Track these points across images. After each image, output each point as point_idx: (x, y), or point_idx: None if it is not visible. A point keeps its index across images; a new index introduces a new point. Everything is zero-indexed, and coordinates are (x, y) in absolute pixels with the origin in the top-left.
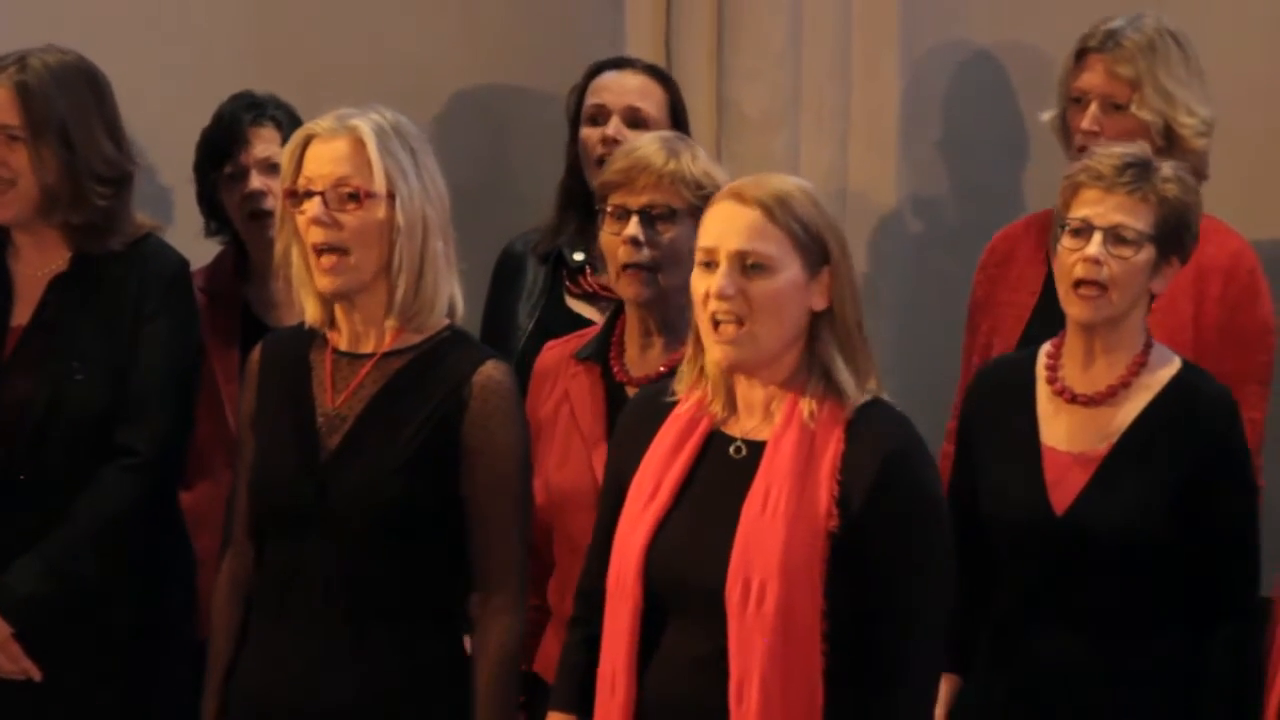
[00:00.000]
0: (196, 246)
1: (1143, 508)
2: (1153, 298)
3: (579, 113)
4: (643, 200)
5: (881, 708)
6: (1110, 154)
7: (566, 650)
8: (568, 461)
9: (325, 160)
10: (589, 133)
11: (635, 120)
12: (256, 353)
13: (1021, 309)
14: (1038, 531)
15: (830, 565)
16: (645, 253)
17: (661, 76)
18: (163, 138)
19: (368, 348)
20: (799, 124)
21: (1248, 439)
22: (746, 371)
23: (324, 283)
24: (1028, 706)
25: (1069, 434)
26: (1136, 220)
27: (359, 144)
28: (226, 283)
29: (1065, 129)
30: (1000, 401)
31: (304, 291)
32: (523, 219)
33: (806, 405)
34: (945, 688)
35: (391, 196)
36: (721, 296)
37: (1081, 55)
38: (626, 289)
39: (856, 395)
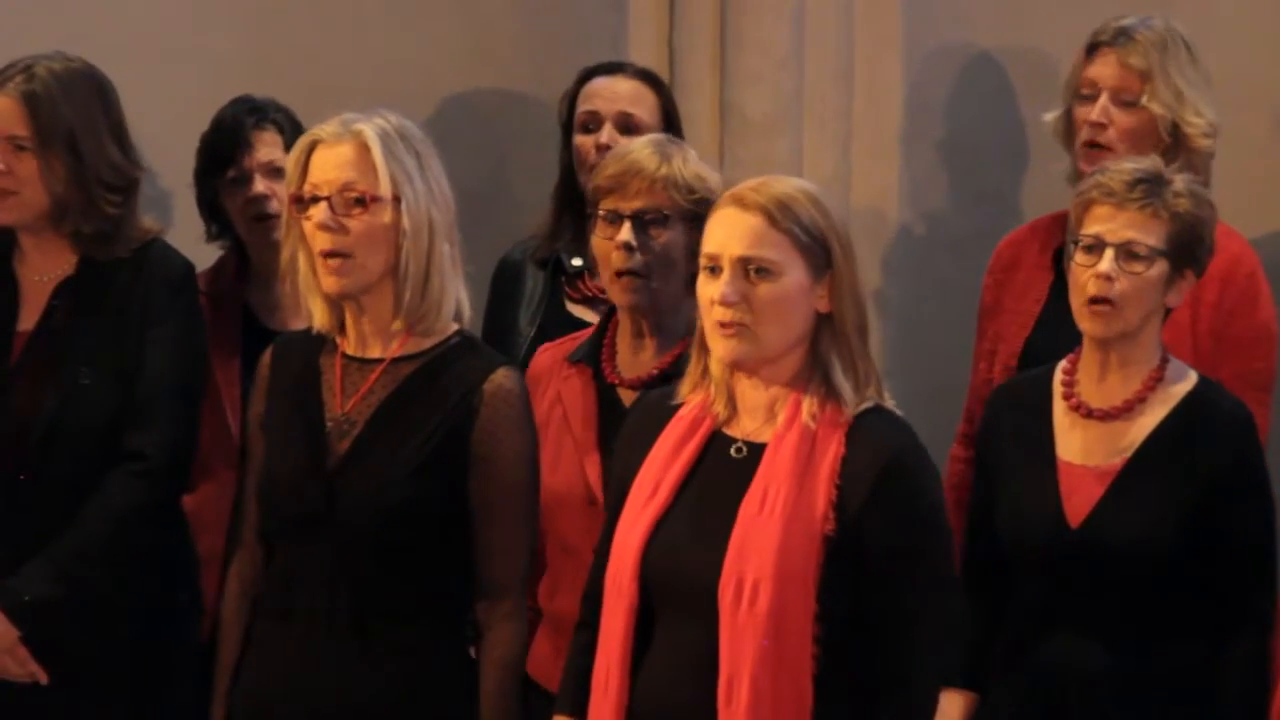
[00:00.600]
0: (196, 251)
1: (1157, 521)
2: (1168, 312)
3: (571, 119)
4: (635, 205)
5: (881, 714)
6: (1122, 170)
7: (571, 653)
8: (559, 464)
9: (331, 165)
10: (583, 140)
11: (627, 126)
12: (267, 356)
13: (1026, 316)
14: (1053, 545)
15: (824, 569)
16: (638, 258)
17: (653, 80)
18: (164, 143)
19: (376, 352)
20: (802, 128)
21: None
22: (749, 370)
23: (329, 283)
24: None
25: (1085, 448)
26: (1148, 236)
27: (364, 149)
28: (228, 286)
29: (1068, 128)
30: (1017, 417)
31: (311, 297)
32: (525, 224)
33: (808, 407)
34: (964, 705)
35: (397, 200)
36: (725, 303)
37: (1093, 49)
38: (620, 296)
39: (855, 399)
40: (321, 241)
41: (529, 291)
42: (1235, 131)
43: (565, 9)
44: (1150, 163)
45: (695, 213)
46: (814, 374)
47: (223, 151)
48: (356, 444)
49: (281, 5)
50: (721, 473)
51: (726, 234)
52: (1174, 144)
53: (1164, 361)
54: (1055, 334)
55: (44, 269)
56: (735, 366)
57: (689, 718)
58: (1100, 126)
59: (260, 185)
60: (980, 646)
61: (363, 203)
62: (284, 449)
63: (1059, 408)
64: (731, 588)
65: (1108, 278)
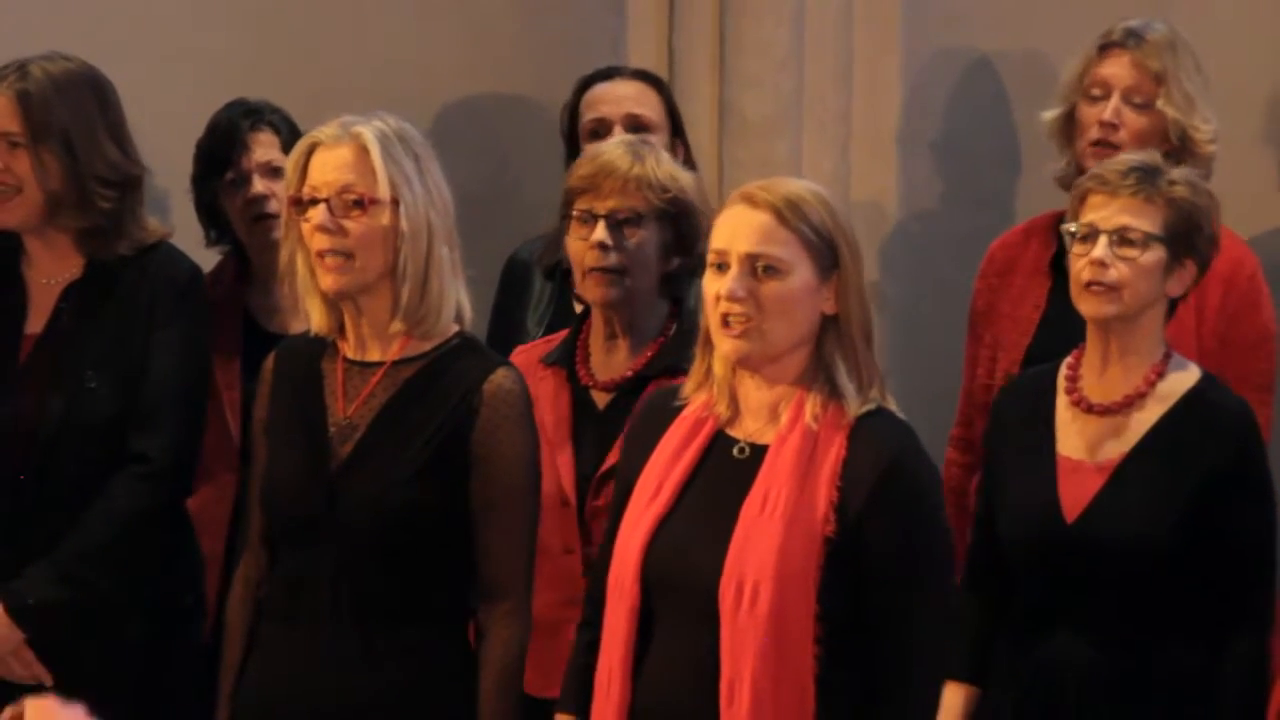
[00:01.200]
0: (195, 256)
1: (1154, 517)
2: (1173, 305)
3: (574, 129)
4: (609, 205)
5: (881, 714)
6: (1117, 161)
7: (574, 653)
8: None
9: (330, 168)
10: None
11: (637, 126)
12: (270, 360)
13: (1026, 323)
14: (1049, 541)
15: (825, 571)
16: (612, 257)
17: (653, 80)
18: (165, 148)
19: (376, 355)
20: (801, 130)
21: None
22: (754, 367)
23: (328, 281)
24: (1039, 717)
25: (1084, 443)
26: (1141, 221)
27: (363, 151)
28: (228, 290)
29: (1067, 128)
30: (1022, 414)
31: (309, 298)
32: (527, 226)
33: (811, 408)
34: (964, 699)
35: (396, 203)
36: (732, 298)
37: (1105, 49)
38: (593, 291)
39: (857, 401)
40: (320, 243)
41: (536, 294)
42: (1232, 132)
43: (565, 11)
44: (1149, 155)
45: (668, 212)
46: (818, 375)
47: (220, 154)
48: (359, 447)
49: (281, 7)
50: (724, 474)
51: (735, 231)
52: (1180, 148)
53: (1166, 356)
54: (1057, 340)
55: (51, 272)
56: (740, 364)
57: (691, 718)
58: (1112, 127)
59: (259, 185)
60: (983, 640)
61: (361, 205)
62: (287, 453)
63: (1061, 402)
64: (732, 589)
65: (1102, 263)
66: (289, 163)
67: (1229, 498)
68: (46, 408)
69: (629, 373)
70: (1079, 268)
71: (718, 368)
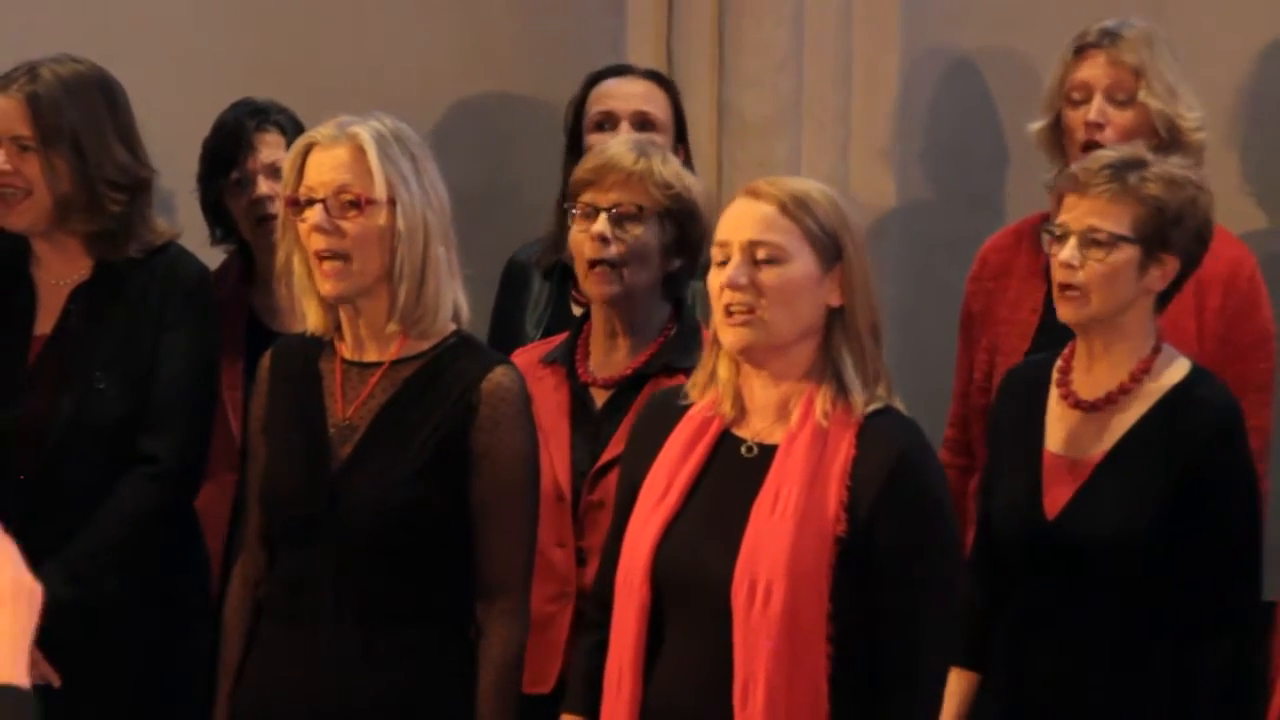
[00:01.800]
0: (199, 256)
1: (1133, 515)
2: (1166, 297)
3: (579, 123)
4: (611, 198)
5: (888, 711)
6: (1094, 158)
7: (580, 653)
8: None
9: (326, 168)
10: (598, 138)
11: (644, 124)
12: (266, 360)
13: (1025, 327)
14: (1031, 537)
15: (837, 569)
16: (612, 249)
17: (662, 80)
18: (166, 148)
19: (374, 355)
20: (800, 130)
21: (1251, 445)
22: (757, 360)
23: (326, 287)
24: (1025, 715)
25: (1071, 439)
26: (1108, 221)
27: (359, 151)
28: (232, 290)
29: (1055, 137)
30: (1016, 405)
31: (306, 299)
32: (525, 226)
33: (821, 405)
34: (964, 685)
35: (392, 203)
36: (733, 286)
37: (1080, 51)
38: (594, 287)
39: (864, 398)
40: (317, 243)
41: (535, 295)
42: (1229, 130)
43: (564, 11)
44: (1132, 149)
45: (671, 210)
46: (825, 371)
47: (226, 154)
48: (358, 448)
49: (282, 8)
50: (732, 473)
51: (737, 223)
52: (1170, 140)
53: (1156, 351)
54: (1057, 344)
55: (60, 273)
56: (744, 356)
57: (703, 718)
58: (1097, 126)
59: (264, 187)
60: (984, 627)
61: (358, 205)
62: (286, 453)
63: (1053, 396)
64: (744, 589)
65: (1069, 265)
66: (285, 163)
67: (1208, 493)
68: (55, 409)
69: (628, 371)
70: (1053, 269)
71: (723, 370)
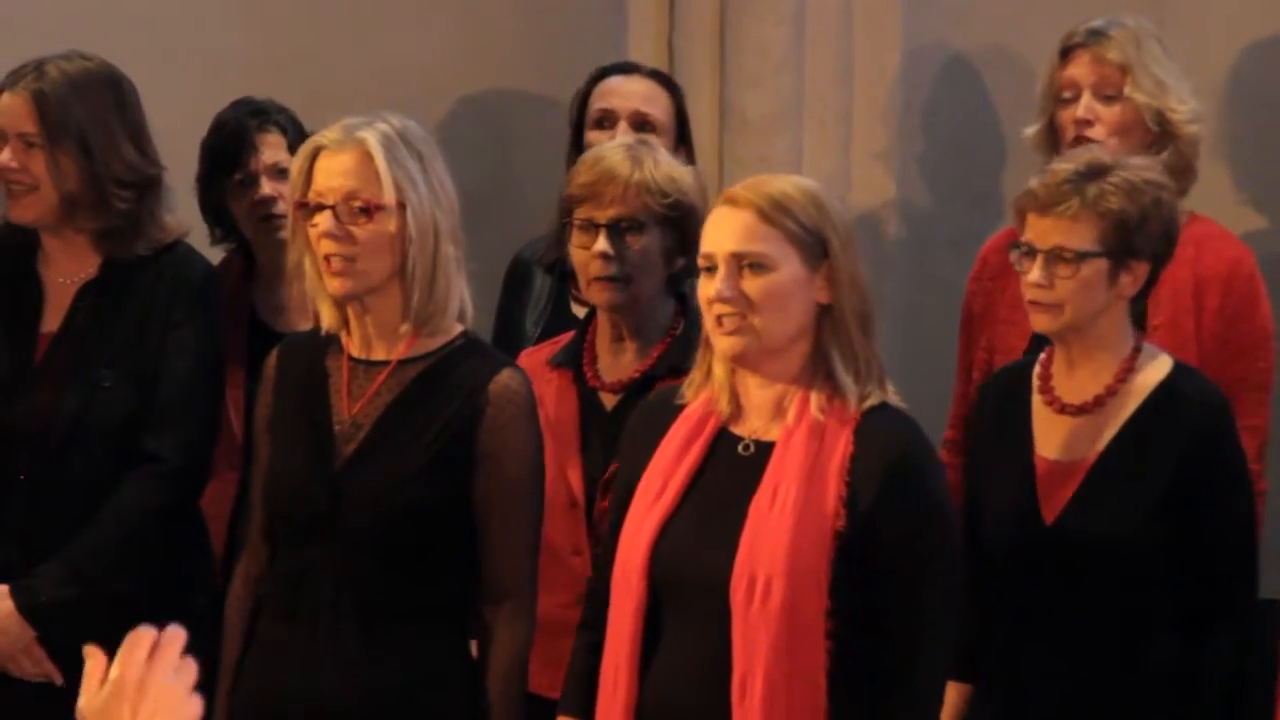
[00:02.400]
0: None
1: (1129, 514)
2: (1145, 298)
3: (582, 118)
4: (610, 213)
5: (888, 709)
6: (1053, 171)
7: (575, 654)
8: None
9: (334, 174)
10: (596, 136)
11: (642, 124)
12: (273, 357)
13: (1024, 327)
14: (1029, 542)
15: (836, 565)
16: (616, 266)
17: (666, 82)
18: (167, 146)
19: (381, 354)
20: (801, 129)
21: (1249, 444)
22: (752, 365)
23: (335, 285)
24: (1025, 717)
25: (1060, 443)
26: (1073, 239)
27: (367, 156)
28: (233, 288)
29: (1051, 139)
30: (1000, 412)
31: (320, 300)
32: (528, 224)
33: (816, 402)
34: (956, 696)
35: (402, 206)
36: (720, 299)
37: (1067, 53)
38: (599, 296)
39: (858, 392)
40: (327, 248)
41: (536, 293)
42: (1229, 130)
43: (566, 9)
44: (1089, 157)
45: (669, 215)
46: (818, 369)
47: (227, 155)
48: (363, 446)
49: (283, 6)
50: (729, 471)
51: (720, 233)
52: (1162, 134)
53: (1136, 351)
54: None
55: (68, 271)
56: (739, 362)
57: (700, 716)
58: (1086, 123)
59: (267, 187)
60: (973, 636)
61: (367, 211)
62: (290, 450)
63: (1036, 402)
64: (744, 585)
65: (1039, 285)
66: (293, 166)
67: (1202, 488)
68: (61, 406)
69: (636, 374)
70: (1023, 287)
71: (717, 368)
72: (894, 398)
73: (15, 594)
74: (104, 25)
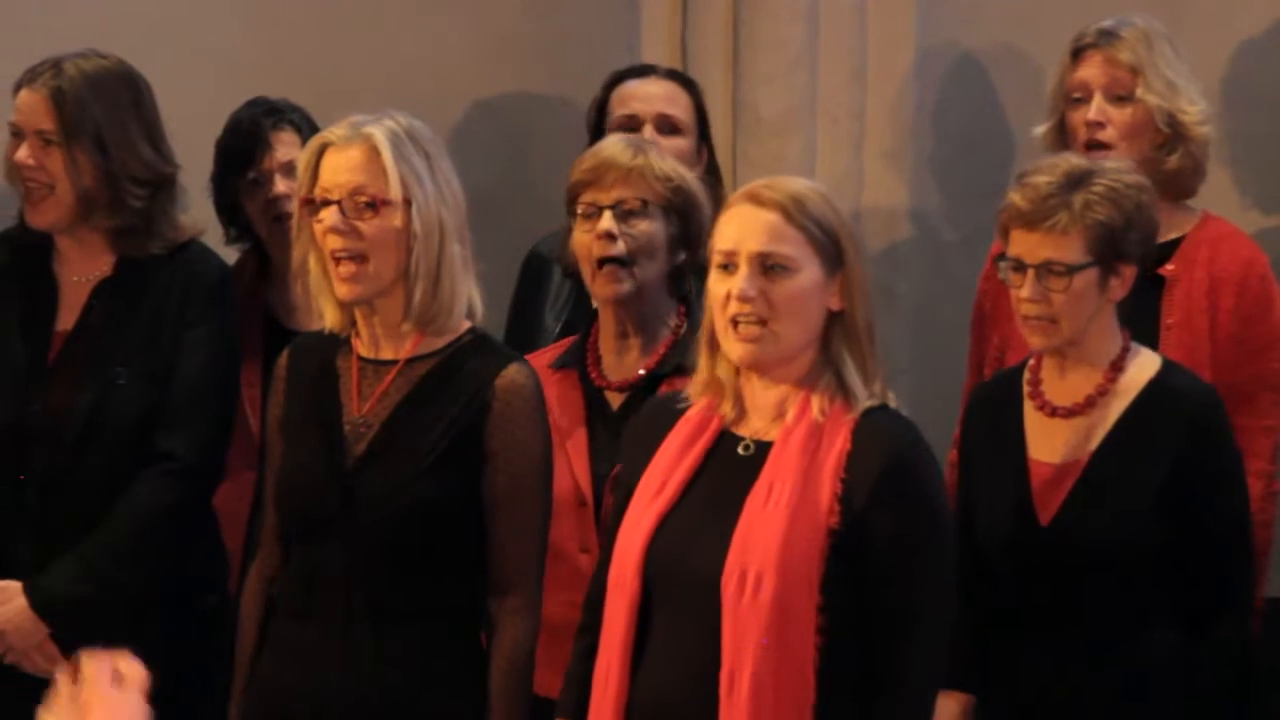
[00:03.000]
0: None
1: (1125, 514)
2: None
3: (602, 123)
4: (613, 195)
5: (879, 708)
6: (1034, 184)
7: (573, 658)
8: None
9: (341, 169)
10: None
11: (668, 127)
12: (284, 358)
13: None
14: (1025, 544)
15: (828, 562)
16: (620, 245)
17: (685, 81)
18: (180, 145)
19: (389, 353)
20: (815, 127)
21: (1264, 444)
22: (765, 370)
23: (343, 290)
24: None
25: (1053, 445)
26: (1064, 253)
27: (373, 152)
28: (248, 288)
29: (1060, 138)
30: (992, 416)
31: (323, 298)
32: (542, 223)
33: (818, 404)
34: (958, 708)
35: (408, 203)
36: (743, 299)
37: (1078, 54)
38: (604, 287)
39: (864, 396)
40: (333, 243)
41: (555, 288)
42: (1239, 129)
43: (579, 7)
44: (1067, 165)
45: (673, 203)
46: (824, 372)
47: (241, 154)
48: (373, 446)
49: (296, 6)
50: (729, 470)
51: (743, 230)
52: (1173, 135)
53: (1125, 351)
54: None
55: (82, 269)
56: (753, 368)
57: (689, 712)
58: (1098, 125)
59: (281, 186)
60: (966, 644)
61: (373, 206)
62: (302, 451)
63: (1028, 406)
64: (735, 579)
65: (1032, 300)
66: (300, 163)
67: (1196, 484)
68: (75, 404)
69: (641, 372)
70: (1014, 301)
71: (722, 372)
72: (893, 402)
73: (29, 591)
74: (117, 25)
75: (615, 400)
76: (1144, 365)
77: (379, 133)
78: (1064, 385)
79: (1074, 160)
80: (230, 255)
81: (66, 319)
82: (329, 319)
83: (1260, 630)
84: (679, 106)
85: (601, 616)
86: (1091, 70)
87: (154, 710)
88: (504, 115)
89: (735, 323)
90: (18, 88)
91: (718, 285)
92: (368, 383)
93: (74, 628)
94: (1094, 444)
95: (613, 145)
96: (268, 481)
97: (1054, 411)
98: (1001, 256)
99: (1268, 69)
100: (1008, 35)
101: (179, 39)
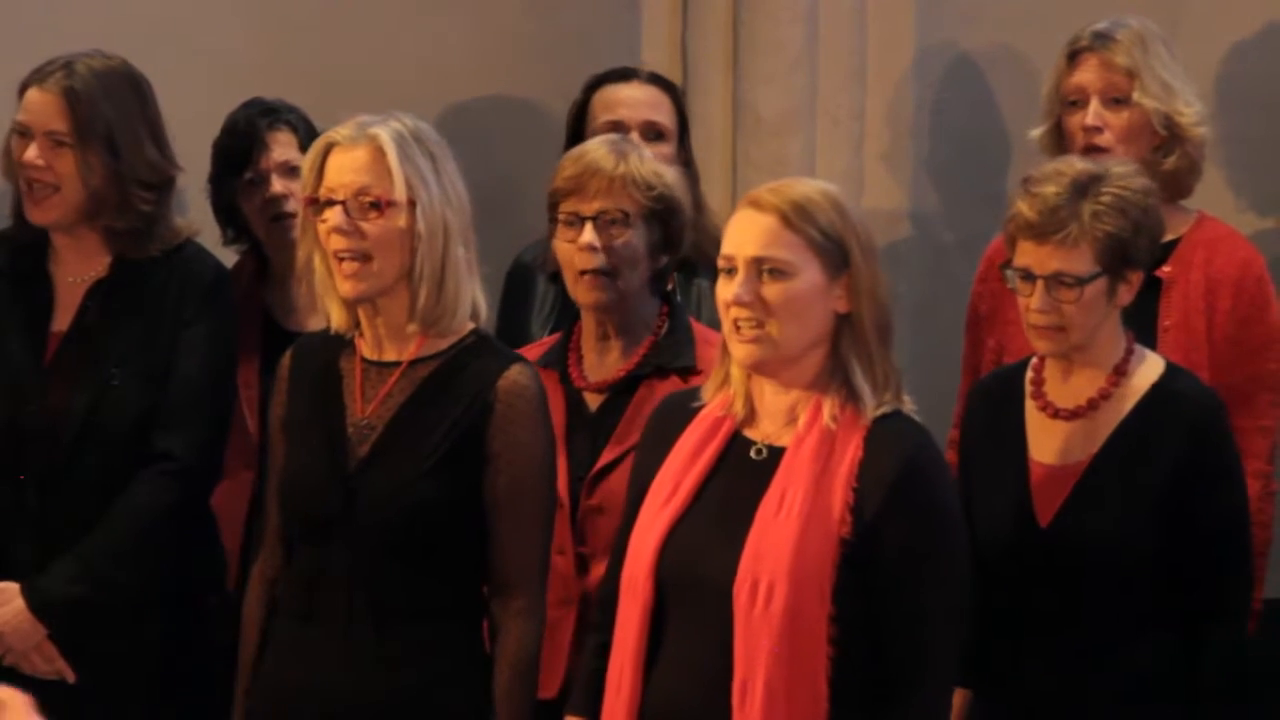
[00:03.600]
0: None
1: (1125, 516)
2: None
3: (581, 127)
4: (595, 206)
5: (893, 717)
6: (1041, 196)
7: (585, 656)
8: None
9: (346, 169)
10: None
11: (653, 133)
12: (287, 358)
13: None
14: (1024, 545)
15: (840, 571)
16: (601, 258)
17: (666, 85)
18: (180, 150)
19: (393, 355)
20: (815, 127)
21: (1261, 445)
22: (769, 372)
23: (346, 288)
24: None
25: (1054, 447)
26: (1074, 264)
27: (379, 152)
28: (245, 288)
29: (1057, 140)
30: (992, 416)
31: (328, 298)
32: (541, 225)
33: (829, 409)
34: (958, 701)
35: (413, 204)
36: (739, 303)
37: (1073, 57)
38: (585, 294)
39: (874, 402)
40: (337, 243)
41: (540, 297)
42: (1234, 131)
43: (578, 8)
44: (1073, 172)
45: (655, 210)
46: (834, 376)
47: (238, 154)
48: (376, 447)
49: (295, 7)
50: (741, 475)
51: (741, 236)
52: (1170, 137)
53: (1128, 354)
54: None
55: (78, 270)
56: (755, 370)
57: (702, 718)
58: (1095, 130)
59: (278, 185)
60: (974, 645)
61: (378, 207)
62: (305, 452)
63: (1029, 406)
64: (747, 588)
65: (1042, 311)
66: (305, 163)
67: (1196, 488)
68: (72, 405)
69: (622, 373)
70: (1022, 307)
71: (734, 372)
72: (909, 407)
73: (27, 592)
74: (118, 25)
75: (594, 401)
76: (1148, 369)
77: (384, 133)
78: (1067, 387)
79: (1079, 165)
80: (227, 256)
81: (62, 320)
82: (334, 319)
83: (1260, 631)
84: (663, 112)
85: (613, 617)
86: (1087, 74)
87: (152, 708)
88: (504, 116)
89: (737, 326)
90: (25, 87)
91: (722, 289)
92: (371, 384)
93: (72, 628)
94: (1095, 447)
95: (596, 150)
96: (269, 481)
97: (1056, 413)
98: (1008, 264)
99: (1263, 70)
100: (1007, 36)
101: (180, 39)
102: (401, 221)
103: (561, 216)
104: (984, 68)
